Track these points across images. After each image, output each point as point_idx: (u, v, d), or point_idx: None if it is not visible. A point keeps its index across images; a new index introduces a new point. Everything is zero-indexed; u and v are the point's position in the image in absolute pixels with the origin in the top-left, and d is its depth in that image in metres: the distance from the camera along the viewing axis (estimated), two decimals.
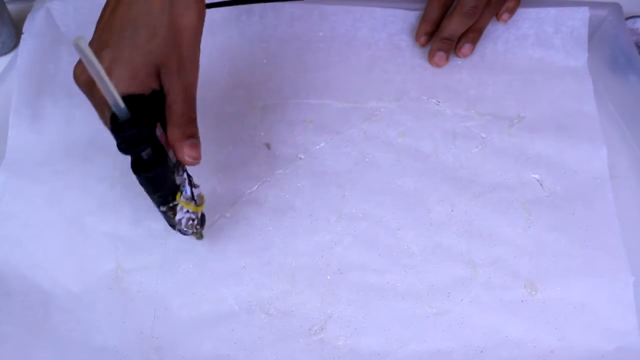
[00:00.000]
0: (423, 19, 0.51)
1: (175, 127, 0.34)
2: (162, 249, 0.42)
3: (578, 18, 0.50)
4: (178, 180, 0.35)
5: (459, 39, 0.50)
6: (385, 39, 0.53)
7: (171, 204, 0.36)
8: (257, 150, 0.47)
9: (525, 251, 0.41)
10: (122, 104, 0.29)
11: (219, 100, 0.50)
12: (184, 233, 0.38)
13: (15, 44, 0.55)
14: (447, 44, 0.50)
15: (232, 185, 0.45)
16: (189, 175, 0.37)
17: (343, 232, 0.43)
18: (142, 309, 0.40)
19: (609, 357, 0.37)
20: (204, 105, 0.49)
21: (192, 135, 0.35)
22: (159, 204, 0.36)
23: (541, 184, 0.44)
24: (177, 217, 0.37)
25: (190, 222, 0.38)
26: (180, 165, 0.36)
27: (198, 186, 0.38)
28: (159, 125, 0.33)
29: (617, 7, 0.50)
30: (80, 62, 0.33)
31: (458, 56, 0.51)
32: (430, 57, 0.51)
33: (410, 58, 0.52)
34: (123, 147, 0.31)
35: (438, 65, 0.51)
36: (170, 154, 0.34)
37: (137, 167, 0.33)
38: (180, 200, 0.36)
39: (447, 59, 0.50)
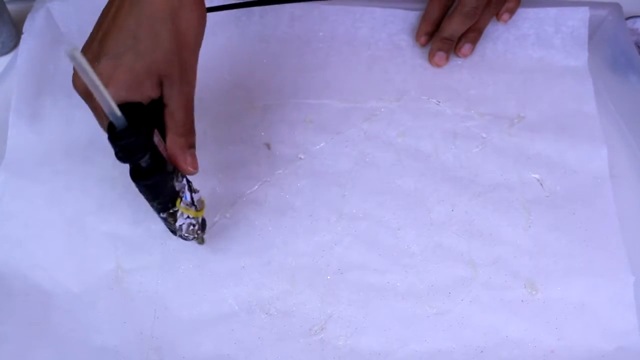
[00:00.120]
0: (423, 19, 0.51)
1: (178, 136, 0.34)
2: (162, 249, 0.42)
3: (578, 18, 0.50)
4: (177, 187, 0.35)
5: (459, 38, 0.50)
6: (385, 39, 0.53)
7: (171, 210, 0.36)
8: (257, 150, 0.47)
9: (526, 251, 0.41)
10: (118, 113, 0.29)
11: (219, 100, 0.50)
12: (185, 239, 0.38)
13: (15, 44, 0.55)
14: (447, 44, 0.50)
15: (232, 185, 0.45)
16: (188, 181, 0.37)
17: (343, 232, 0.43)
18: (142, 309, 0.40)
19: (609, 357, 0.37)
20: (204, 106, 0.49)
21: (192, 145, 0.35)
22: (159, 210, 0.36)
23: (541, 184, 0.44)
24: (178, 223, 0.37)
25: (192, 227, 0.38)
26: (179, 172, 0.35)
27: (198, 191, 0.38)
28: (156, 132, 0.33)
29: (617, 7, 0.50)
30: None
31: (458, 56, 0.51)
32: (431, 57, 0.51)
33: (410, 58, 0.52)
34: (120, 156, 0.31)
35: (438, 65, 0.51)
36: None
37: (135, 175, 0.32)
38: (180, 206, 0.36)
39: (447, 59, 0.50)
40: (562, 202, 0.43)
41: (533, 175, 0.44)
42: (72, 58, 0.24)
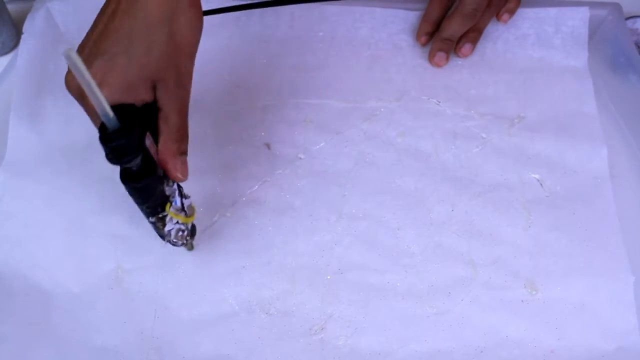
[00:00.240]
0: (424, 19, 0.51)
1: (171, 141, 0.34)
2: (162, 249, 0.42)
3: (578, 18, 0.50)
4: (168, 191, 0.35)
5: (459, 38, 0.50)
6: (385, 39, 0.53)
7: (160, 215, 0.35)
8: (257, 150, 0.47)
9: (526, 251, 0.41)
10: (111, 114, 0.29)
11: (219, 100, 0.50)
12: (174, 244, 0.38)
13: (15, 44, 0.55)
14: (447, 44, 0.50)
15: (232, 185, 0.45)
16: (179, 186, 0.36)
17: (343, 232, 0.43)
18: (142, 309, 0.40)
19: (609, 357, 0.37)
20: (204, 106, 0.49)
21: (185, 152, 0.35)
22: (147, 214, 0.35)
23: (541, 184, 0.44)
24: (167, 228, 0.36)
25: (180, 233, 0.38)
26: None
27: (189, 197, 0.37)
28: (149, 135, 0.33)
29: (617, 7, 0.50)
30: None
31: (458, 56, 0.51)
32: (431, 57, 0.51)
33: (410, 58, 0.52)
34: (111, 157, 0.31)
35: (438, 65, 0.51)
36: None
37: (125, 177, 0.32)
38: (170, 211, 0.35)
39: (448, 59, 0.50)
40: (562, 202, 0.43)
41: (533, 175, 0.44)
42: (68, 57, 0.24)
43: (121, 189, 0.46)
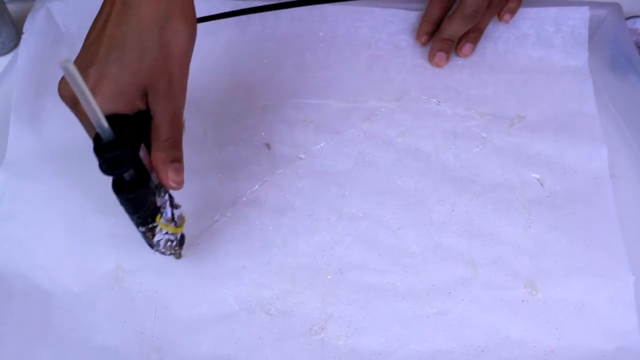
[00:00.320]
0: (424, 19, 0.51)
1: (161, 150, 0.34)
2: None
3: (578, 17, 0.50)
4: (159, 202, 0.35)
5: (460, 38, 0.50)
6: (385, 39, 0.53)
7: (150, 225, 0.35)
8: (258, 150, 0.47)
9: (526, 251, 0.41)
10: (106, 125, 0.28)
11: (219, 101, 0.50)
12: (162, 253, 0.38)
13: (15, 44, 0.55)
14: (447, 44, 0.50)
15: (232, 185, 0.45)
16: (170, 196, 0.36)
17: (343, 231, 0.43)
18: (142, 309, 0.40)
19: (609, 356, 0.36)
20: (204, 106, 0.49)
21: (177, 160, 0.35)
22: (138, 224, 0.35)
23: (541, 184, 0.44)
24: (156, 238, 0.36)
25: (169, 243, 0.37)
26: (162, 187, 0.35)
27: (179, 207, 0.37)
28: (142, 146, 0.33)
29: (617, 7, 0.50)
30: (64, 76, 0.32)
31: (459, 56, 0.51)
32: (431, 57, 0.51)
33: (410, 58, 0.52)
34: (105, 168, 0.31)
35: (438, 66, 0.51)
36: (153, 175, 0.34)
37: (118, 187, 0.32)
38: (160, 222, 0.35)
39: (448, 59, 0.50)
40: (562, 202, 0.43)
41: (533, 175, 0.44)
42: (65, 69, 0.24)
43: None
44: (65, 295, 0.41)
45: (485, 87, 0.49)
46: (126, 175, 0.32)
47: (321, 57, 0.52)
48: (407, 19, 0.53)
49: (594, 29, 0.50)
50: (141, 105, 0.33)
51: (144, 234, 0.36)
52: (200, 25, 0.35)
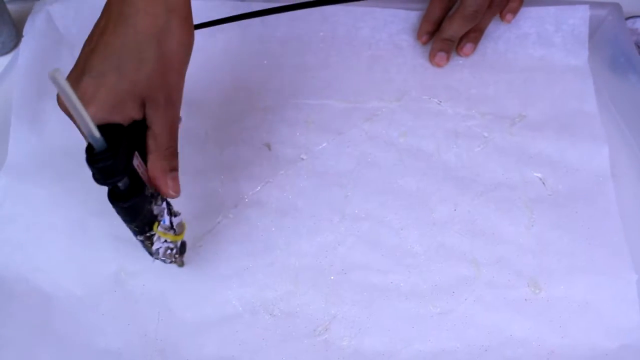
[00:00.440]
0: (424, 19, 0.51)
1: (160, 159, 0.34)
2: None
3: (578, 16, 0.50)
4: (155, 210, 0.35)
5: (461, 38, 0.50)
6: (386, 39, 0.53)
7: (148, 234, 0.35)
8: (259, 152, 0.47)
9: (528, 250, 0.41)
10: (97, 134, 0.28)
11: (220, 102, 0.50)
12: (163, 262, 0.38)
13: (15, 44, 0.55)
14: (447, 44, 0.50)
15: (234, 186, 0.45)
16: (168, 204, 0.36)
17: (346, 232, 0.43)
18: (145, 312, 0.40)
19: (612, 355, 0.37)
20: (204, 107, 0.49)
21: (175, 168, 0.35)
22: (136, 233, 0.35)
23: (543, 183, 0.44)
24: (155, 246, 0.36)
25: (169, 251, 0.37)
26: (158, 195, 0.35)
27: (179, 214, 0.37)
28: (136, 154, 0.32)
29: (617, 7, 0.50)
30: None
31: (460, 55, 0.51)
32: (431, 57, 0.51)
33: (411, 58, 0.52)
34: (97, 178, 0.30)
35: (439, 65, 0.51)
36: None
37: (113, 197, 0.32)
38: (158, 230, 0.35)
39: (448, 59, 0.50)
40: (564, 200, 0.43)
41: (535, 174, 0.44)
42: (53, 80, 0.24)
43: None
44: (67, 298, 0.41)
45: (486, 87, 0.50)
46: (120, 185, 0.31)
47: (322, 57, 0.52)
48: (407, 19, 0.53)
49: (594, 29, 0.51)
50: (137, 116, 0.32)
51: (142, 242, 0.36)
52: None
